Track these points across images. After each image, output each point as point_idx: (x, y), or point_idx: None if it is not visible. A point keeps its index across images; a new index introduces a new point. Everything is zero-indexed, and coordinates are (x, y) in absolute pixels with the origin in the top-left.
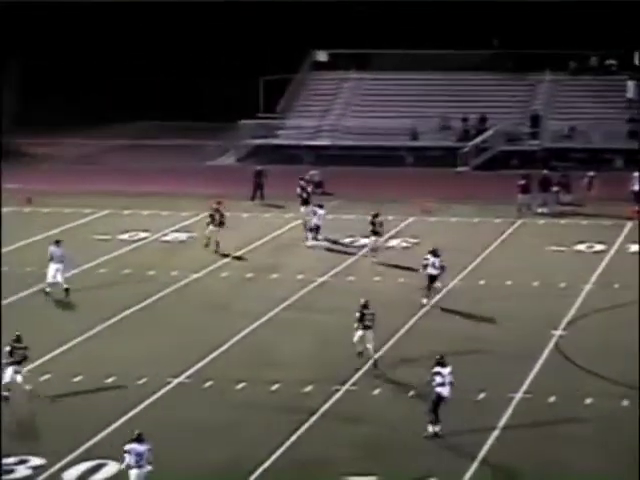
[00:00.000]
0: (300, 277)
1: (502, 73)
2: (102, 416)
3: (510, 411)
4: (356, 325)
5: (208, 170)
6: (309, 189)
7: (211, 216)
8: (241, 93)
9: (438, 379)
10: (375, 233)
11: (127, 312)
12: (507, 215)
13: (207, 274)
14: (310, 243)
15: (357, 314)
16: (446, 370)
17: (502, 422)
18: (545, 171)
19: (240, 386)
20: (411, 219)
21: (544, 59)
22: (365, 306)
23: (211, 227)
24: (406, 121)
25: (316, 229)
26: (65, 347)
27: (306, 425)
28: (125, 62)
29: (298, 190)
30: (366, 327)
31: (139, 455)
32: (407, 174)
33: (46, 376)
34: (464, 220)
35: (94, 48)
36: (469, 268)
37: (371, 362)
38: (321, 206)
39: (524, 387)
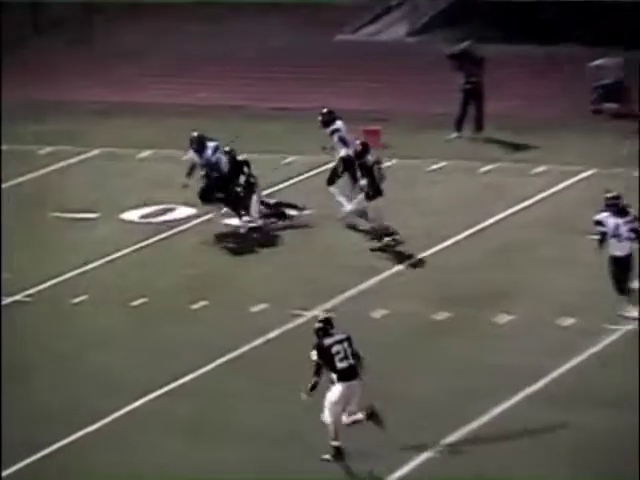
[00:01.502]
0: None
1: None
2: None
3: None
4: (314, 382)
5: (341, 52)
6: None
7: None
8: None
9: None
10: (374, 192)
11: (141, 401)
12: None
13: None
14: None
15: (313, 354)
16: None
17: None
18: None
19: None
20: None
21: None
22: (324, 328)
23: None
24: None
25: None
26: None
27: None
28: None
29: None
30: (345, 376)
31: None
32: None
33: None
34: None
35: None
36: None
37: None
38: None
39: None
